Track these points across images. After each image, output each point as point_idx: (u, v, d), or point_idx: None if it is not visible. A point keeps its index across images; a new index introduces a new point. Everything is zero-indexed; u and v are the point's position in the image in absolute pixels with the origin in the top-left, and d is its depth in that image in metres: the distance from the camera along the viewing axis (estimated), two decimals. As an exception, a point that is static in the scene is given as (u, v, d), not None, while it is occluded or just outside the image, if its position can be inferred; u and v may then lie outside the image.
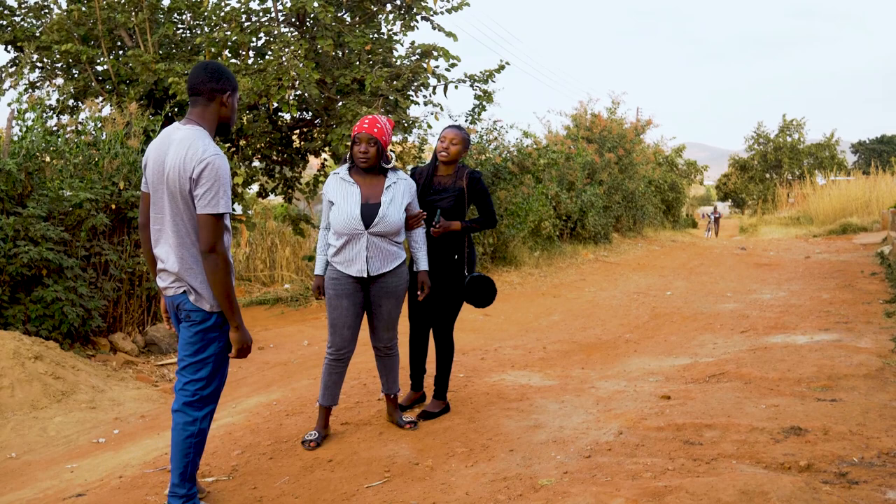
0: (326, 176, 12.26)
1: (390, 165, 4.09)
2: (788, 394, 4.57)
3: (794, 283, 10.57)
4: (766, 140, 41.45)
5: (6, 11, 10.44)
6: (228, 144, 10.31)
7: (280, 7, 10.59)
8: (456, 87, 11.27)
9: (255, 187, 12.49)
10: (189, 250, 3.02)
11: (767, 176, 41.44)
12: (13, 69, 10.65)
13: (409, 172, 4.55)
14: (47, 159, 6.68)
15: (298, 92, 10.41)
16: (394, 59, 11.07)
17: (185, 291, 3.05)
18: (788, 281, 10.84)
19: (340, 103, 10.60)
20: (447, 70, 11.00)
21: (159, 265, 3.12)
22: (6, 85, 10.52)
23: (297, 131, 12.14)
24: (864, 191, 24.54)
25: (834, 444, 3.56)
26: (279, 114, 11.45)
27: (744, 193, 42.94)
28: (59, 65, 10.73)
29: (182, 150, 2.94)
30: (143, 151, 7.26)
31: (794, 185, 35.60)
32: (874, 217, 21.57)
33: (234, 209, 2.93)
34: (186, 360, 3.10)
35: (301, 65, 9.51)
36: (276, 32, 10.40)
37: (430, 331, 4.65)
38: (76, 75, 10.65)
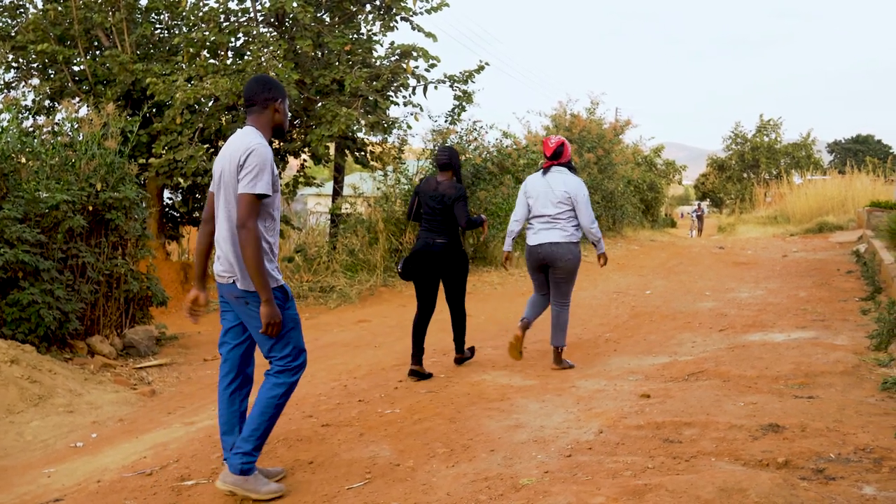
0: (306, 177, 12.17)
1: None
2: (766, 391, 4.62)
3: (772, 281, 10.68)
4: (743, 140, 41.81)
5: (-20, 11, 10.30)
6: (207, 145, 10.23)
7: (259, 7, 10.54)
8: (436, 87, 11.29)
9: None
10: (236, 240, 3.29)
11: (745, 175, 41.81)
12: (-13, 69, 10.50)
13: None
14: (23, 160, 6.60)
15: (278, 92, 10.34)
16: (373, 60, 11.05)
17: (234, 281, 3.32)
18: (766, 279, 10.95)
19: (320, 104, 10.56)
20: (427, 71, 11.01)
21: (216, 252, 3.46)
22: (-20, 85, 10.37)
23: (277, 132, 12.02)
24: (840, 190, 24.78)
25: (811, 441, 3.60)
26: (258, 114, 11.36)
27: (722, 193, 43.30)
28: (34, 65, 10.60)
29: (233, 145, 3.35)
30: (120, 152, 7.18)
31: (772, 185, 35.90)
32: (850, 216, 21.82)
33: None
34: (267, 343, 3.36)
35: (280, 65, 9.46)
36: (254, 33, 10.34)
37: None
38: (52, 75, 10.52)
